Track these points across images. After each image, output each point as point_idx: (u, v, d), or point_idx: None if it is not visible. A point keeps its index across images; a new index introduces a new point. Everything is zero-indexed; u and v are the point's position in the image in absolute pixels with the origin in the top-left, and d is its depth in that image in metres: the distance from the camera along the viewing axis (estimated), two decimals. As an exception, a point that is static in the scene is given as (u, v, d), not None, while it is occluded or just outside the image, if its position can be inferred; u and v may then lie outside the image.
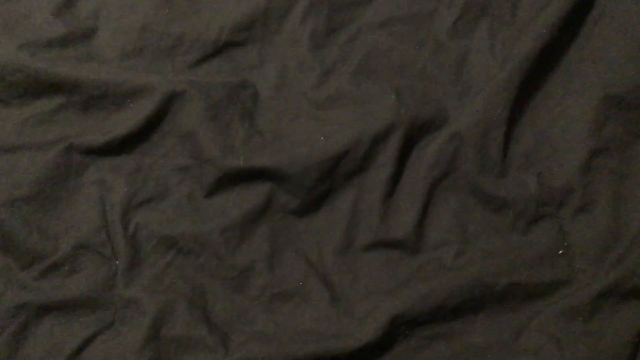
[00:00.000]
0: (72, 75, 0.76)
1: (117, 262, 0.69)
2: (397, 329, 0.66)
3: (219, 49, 0.83)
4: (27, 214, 0.70)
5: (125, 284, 0.68)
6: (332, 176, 0.74)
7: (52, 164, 0.73)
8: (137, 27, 0.83)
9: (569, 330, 0.65)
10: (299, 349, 0.64)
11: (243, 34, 0.83)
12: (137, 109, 0.76)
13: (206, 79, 0.80)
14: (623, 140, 0.74)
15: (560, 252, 0.70)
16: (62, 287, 0.68)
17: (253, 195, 0.74)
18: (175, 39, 0.82)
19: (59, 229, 0.71)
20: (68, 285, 0.68)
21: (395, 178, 0.75)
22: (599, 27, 0.78)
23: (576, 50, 0.79)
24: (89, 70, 0.77)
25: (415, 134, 0.77)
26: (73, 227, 0.71)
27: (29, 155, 0.73)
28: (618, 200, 0.72)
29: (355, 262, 0.72)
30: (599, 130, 0.75)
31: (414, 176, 0.75)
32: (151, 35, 0.82)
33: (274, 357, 0.63)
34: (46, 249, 0.70)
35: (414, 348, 0.66)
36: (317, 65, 0.82)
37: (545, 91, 0.79)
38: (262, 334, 0.66)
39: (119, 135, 0.75)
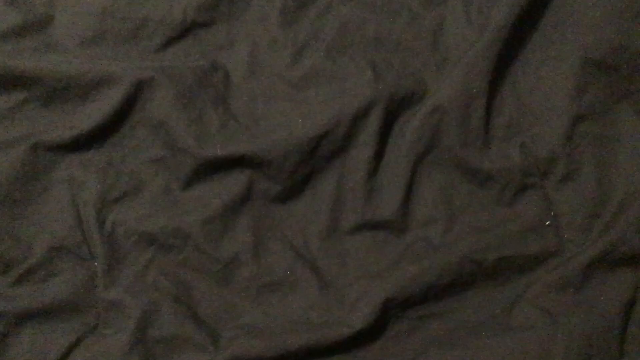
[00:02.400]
0: (31, 68, 0.73)
1: (95, 263, 0.67)
2: (389, 312, 0.66)
3: (185, 31, 0.80)
4: (-5, 219, 0.67)
5: (105, 285, 0.66)
6: (313, 159, 0.73)
7: (18, 164, 0.70)
8: (97, 12, 0.79)
9: (561, 302, 0.65)
10: (291, 340, 0.63)
11: (209, 13, 0.80)
12: (103, 100, 0.73)
13: (174, 63, 0.77)
14: (605, 104, 0.74)
15: (548, 222, 0.70)
16: (39, 292, 0.66)
17: (233, 183, 0.72)
18: (138, 23, 0.79)
19: (31, 232, 0.68)
20: (46, 290, 0.66)
21: (378, 156, 0.74)
22: (576, -11, 0.77)
23: (553, 14, 0.78)
24: (49, 61, 0.74)
25: (395, 109, 0.75)
26: (46, 229, 0.68)
27: (-9, 156, 0.70)
28: (603, 166, 0.72)
29: (342, 245, 0.71)
30: (581, 96, 0.74)
31: (396, 153, 0.74)
32: (112, 19, 0.79)
33: (266, 350, 0.62)
34: (19, 254, 0.67)
35: (407, 330, 0.66)
36: (289, 42, 0.79)
37: (525, 58, 0.78)
38: (251, 327, 0.65)
39: (86, 129, 0.72)
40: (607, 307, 0.64)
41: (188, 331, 0.65)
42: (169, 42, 0.79)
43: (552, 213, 0.70)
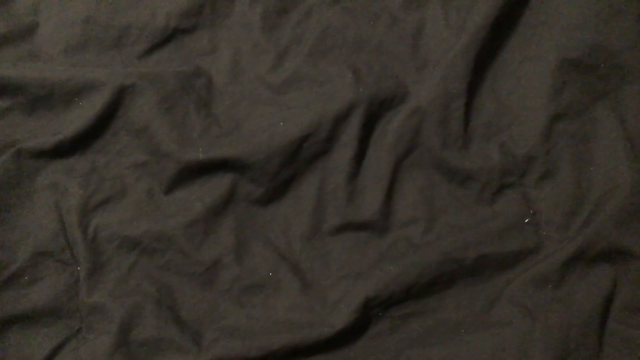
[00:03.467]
0: (15, 76, 0.74)
1: (78, 268, 0.67)
2: (370, 311, 0.66)
3: (168, 37, 0.80)
4: (-21, 225, 0.68)
5: (88, 289, 0.67)
6: (295, 161, 0.73)
7: (2, 171, 0.71)
8: (80, 20, 0.80)
9: (539, 299, 0.65)
10: (273, 341, 0.63)
11: (192, 20, 0.81)
12: (86, 107, 0.74)
13: (157, 69, 0.78)
14: (582, 103, 0.75)
15: (527, 220, 0.70)
16: (23, 297, 0.67)
17: (215, 187, 0.72)
18: (121, 30, 0.80)
19: (15, 238, 0.69)
20: (30, 295, 0.67)
21: (359, 158, 0.74)
22: (552, -10, 0.78)
23: (531, 14, 0.79)
24: (33, 69, 0.75)
25: (376, 112, 0.76)
26: (30, 235, 0.69)
27: (-24, 163, 0.71)
28: (580, 163, 0.72)
29: (324, 247, 0.71)
30: (558, 95, 0.75)
31: (377, 155, 0.75)
32: (95, 27, 0.79)
33: (248, 351, 0.63)
34: (3, 259, 0.68)
35: (388, 329, 0.66)
36: (271, 47, 0.80)
37: (503, 59, 0.78)
38: (234, 329, 0.65)
39: (70, 136, 0.72)
40: (586, 303, 0.65)
41: (171, 334, 0.65)
42: (151, 49, 0.80)
43: (531, 211, 0.71)
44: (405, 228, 0.71)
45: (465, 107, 0.75)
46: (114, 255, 0.69)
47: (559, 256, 0.67)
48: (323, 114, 0.74)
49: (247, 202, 0.73)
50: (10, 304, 0.66)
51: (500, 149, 0.73)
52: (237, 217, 0.72)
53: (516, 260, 0.68)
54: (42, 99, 0.74)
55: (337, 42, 0.81)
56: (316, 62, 0.79)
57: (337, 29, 0.81)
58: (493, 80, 0.78)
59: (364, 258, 0.70)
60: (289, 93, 0.78)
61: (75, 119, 0.73)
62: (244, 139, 0.74)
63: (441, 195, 0.72)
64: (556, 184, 0.72)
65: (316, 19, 0.82)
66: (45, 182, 0.72)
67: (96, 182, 0.72)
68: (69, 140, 0.73)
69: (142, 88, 0.75)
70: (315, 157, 0.74)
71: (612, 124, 0.73)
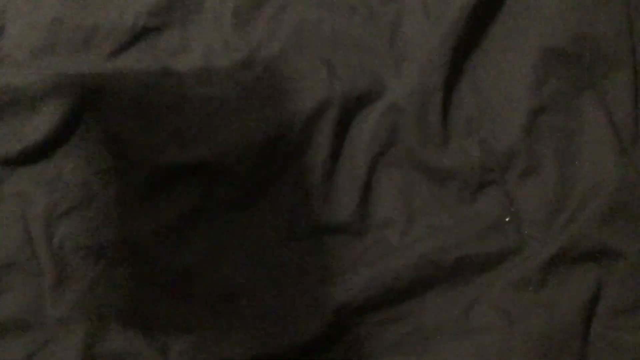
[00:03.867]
0: (-23, 82, 0.71)
1: (44, 279, 0.65)
2: (345, 318, 0.64)
3: (137, 37, 0.78)
4: (-57, 237, 0.66)
5: (54, 301, 0.65)
6: (269, 163, 0.71)
7: (-34, 181, 0.68)
8: (47, 22, 0.77)
9: (520, 302, 0.63)
10: (244, 351, 0.61)
11: (161, 18, 0.78)
12: (52, 112, 0.71)
13: (125, 70, 0.75)
14: (566, 95, 0.72)
15: (508, 219, 0.68)
16: (-12, 311, 0.64)
17: (188, 192, 0.70)
18: (89, 31, 0.77)
19: (-19, 250, 0.66)
20: (-5, 308, 0.64)
21: (334, 157, 0.72)
22: (533, -22, 0.74)
23: (513, 3, 0.76)
24: (-3, 75, 0.72)
25: (351, 109, 0.73)
26: (-5, 246, 0.67)
27: (-61, 173, 0.68)
28: (564, 159, 0.69)
29: (300, 251, 0.69)
30: (541, 87, 0.72)
31: (353, 153, 0.72)
32: (62, 29, 0.77)
33: (215, 364, 0.60)
34: (-32, 272, 0.65)
35: (364, 336, 0.64)
36: (243, 44, 0.77)
37: (483, 50, 0.75)
38: (205, 340, 0.63)
39: (35, 142, 0.70)
40: (568, 306, 0.62)
41: (138, 346, 0.63)
42: (120, 49, 0.77)
43: (513, 209, 0.68)
44: (383, 230, 0.69)
45: (444, 102, 0.72)
46: (80, 265, 0.67)
47: (541, 257, 0.64)
48: (295, 113, 0.71)
49: (221, 207, 0.71)
50: (-24, 317, 0.63)
51: (480, 145, 0.71)
52: (211, 223, 0.70)
53: (497, 262, 0.66)
54: (7, 105, 0.72)
55: (312, 38, 0.78)
56: (289, 58, 0.76)
57: (312, 24, 0.78)
58: (473, 72, 0.75)
59: (340, 262, 0.68)
60: (261, 91, 0.74)
61: (40, 125, 0.71)
62: (215, 141, 0.72)
63: (420, 195, 0.69)
64: (539, 180, 0.69)
65: (290, 14, 0.79)
66: (12, 190, 0.70)
67: (62, 189, 0.69)
68: (34, 147, 0.70)
69: (109, 91, 0.72)
70: (289, 158, 0.72)
71: (597, 117, 0.70)
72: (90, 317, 0.64)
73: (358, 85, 0.74)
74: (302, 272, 0.68)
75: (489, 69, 0.74)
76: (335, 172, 0.72)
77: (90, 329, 0.64)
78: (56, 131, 0.71)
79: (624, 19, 0.71)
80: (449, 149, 0.71)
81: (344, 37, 0.78)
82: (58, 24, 0.77)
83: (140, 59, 0.77)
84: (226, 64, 0.77)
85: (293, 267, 0.69)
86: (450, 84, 0.73)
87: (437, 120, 0.72)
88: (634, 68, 0.71)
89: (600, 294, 0.63)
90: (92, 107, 0.72)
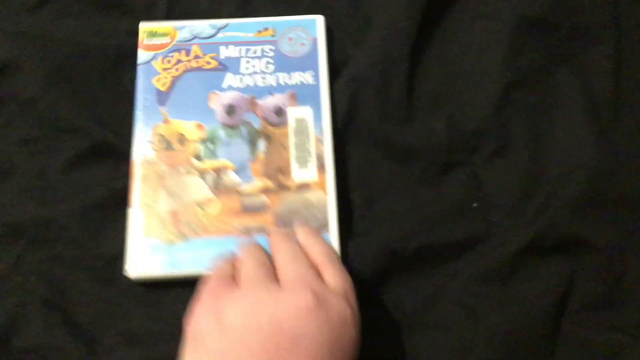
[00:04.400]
0: None
1: (-44, 261, 0.57)
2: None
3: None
4: None
5: (-35, 286, 0.57)
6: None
7: None
8: None
9: (485, 296, 0.58)
10: (177, 347, 0.54)
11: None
12: (-37, 70, 0.62)
13: (56, 24, 0.66)
14: (543, 68, 0.66)
15: (474, 204, 0.62)
16: None
17: (121, 170, 0.62)
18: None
19: None
20: None
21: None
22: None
23: (487, -34, 0.68)
24: None
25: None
26: None
27: None
28: (537, 139, 0.64)
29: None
30: (515, 59, 0.66)
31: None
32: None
33: (150, 360, 0.53)
34: None
35: (315, 330, 0.57)
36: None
37: (453, 17, 0.69)
38: (135, 333, 0.56)
39: (-56, 105, 0.61)
40: (537, 302, 0.57)
41: (60, 339, 0.56)
42: (46, 0, 0.67)
43: (480, 194, 0.62)
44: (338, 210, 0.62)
45: (408, 74, 0.66)
46: (-2, 245, 0.58)
47: (509, 248, 0.59)
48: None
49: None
50: None
51: (447, 122, 0.65)
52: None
53: (461, 251, 0.60)
54: None
55: (264, -2, 0.70)
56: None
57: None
58: (442, 42, 0.68)
59: (290, 247, 0.61)
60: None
61: (-50, 85, 0.62)
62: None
63: (380, 176, 0.63)
64: (509, 162, 0.63)
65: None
66: None
67: (-23, 158, 0.61)
68: (-57, 110, 0.61)
69: (33, 52, 0.63)
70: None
71: (575, 93, 0.65)
72: (6, 306, 0.56)
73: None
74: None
75: (459, 38, 0.68)
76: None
77: (6, 319, 0.56)
78: (-31, 92, 0.61)
79: (606, -14, 0.65)
80: (413, 126, 0.65)
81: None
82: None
83: (66, 13, 0.68)
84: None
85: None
86: (415, 54, 0.66)
87: (400, 94, 0.65)
88: (616, 41, 0.65)
89: (572, 289, 0.58)
90: (11, 70, 0.63)
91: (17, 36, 0.64)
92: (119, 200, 0.61)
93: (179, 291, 0.59)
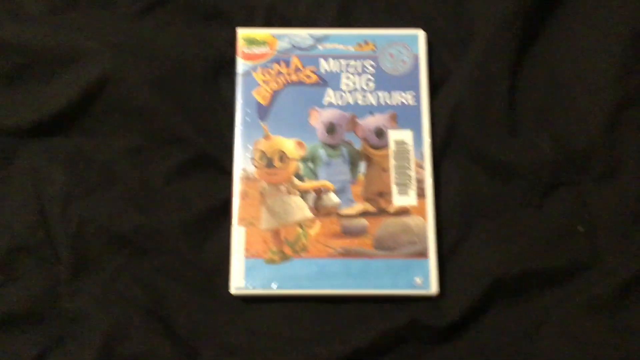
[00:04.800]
0: (-9, 40, 0.64)
1: (60, 266, 0.59)
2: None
3: (171, -8, 0.69)
4: (-53, 215, 0.60)
5: (70, 293, 0.59)
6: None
7: (-26, 152, 0.62)
8: (67, -29, 0.68)
9: (592, 327, 0.56)
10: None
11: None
12: (72, 79, 0.64)
13: (157, 34, 0.66)
14: (658, 86, 0.63)
15: (581, 228, 0.60)
16: (-2, 299, 0.58)
17: (221, 184, 0.62)
18: (115, -17, 0.68)
19: (-11, 231, 0.60)
20: (5, 296, 0.59)
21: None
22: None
23: (599, -26, 0.66)
24: (12, 32, 0.65)
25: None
26: (4, 227, 0.61)
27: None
28: (650, 161, 0.61)
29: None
30: (628, 76, 0.65)
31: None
32: (84, -21, 0.68)
33: (249, 376, 0.54)
34: (-25, 255, 0.59)
35: (415, 355, 0.58)
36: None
37: (561, 27, 0.67)
38: (236, 346, 0.57)
39: (53, 112, 0.63)
40: (648, 335, 0.55)
41: (161, 349, 0.58)
42: (151, 7, 0.68)
43: (587, 216, 0.60)
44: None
45: (511, 88, 0.64)
46: (101, 253, 0.61)
47: (619, 275, 0.58)
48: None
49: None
50: (-17, 307, 0.58)
51: (553, 139, 0.63)
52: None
53: (566, 278, 0.59)
54: (22, 68, 0.65)
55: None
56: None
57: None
58: (548, 54, 0.66)
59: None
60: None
61: (59, 93, 0.64)
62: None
63: (480, 196, 0.62)
64: (619, 184, 0.62)
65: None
66: (24, 165, 0.63)
67: (82, 167, 0.63)
68: (51, 117, 0.63)
69: (136, 62, 0.64)
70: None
71: (691, 114, 0.61)
72: (110, 314, 0.58)
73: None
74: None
75: (567, 51, 0.66)
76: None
77: (110, 327, 0.57)
78: (76, 102, 0.64)
79: None
80: (515, 143, 0.63)
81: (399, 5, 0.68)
82: (79, -27, 0.68)
83: (173, 21, 0.68)
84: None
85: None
86: (518, 68, 0.65)
87: (502, 110, 0.64)
88: None
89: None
90: (118, 77, 0.64)
91: (121, 47, 0.64)
92: (219, 214, 0.61)
93: (278, 307, 0.59)
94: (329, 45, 0.65)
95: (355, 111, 0.63)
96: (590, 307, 0.57)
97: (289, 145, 0.62)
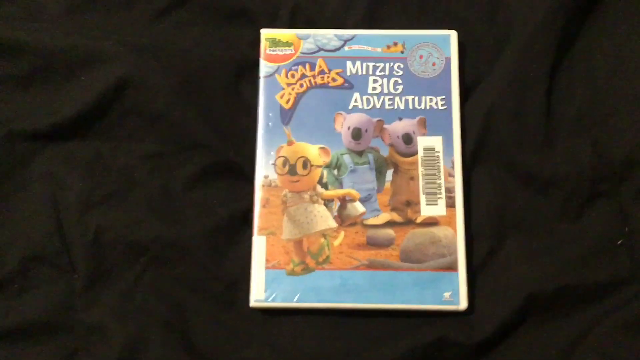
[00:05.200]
0: (8, 41, 0.63)
1: (76, 276, 0.58)
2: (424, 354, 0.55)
3: (191, -7, 0.67)
4: (-38, 221, 0.59)
5: (86, 303, 0.58)
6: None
7: (-10, 155, 0.61)
8: (85, -30, 0.67)
9: (630, 348, 0.53)
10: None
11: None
12: (90, 82, 0.63)
13: (177, 35, 0.65)
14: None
15: (620, 242, 0.57)
16: (12, 309, 0.59)
17: (243, 191, 0.60)
18: (134, -17, 0.67)
19: (4, 237, 0.60)
20: (19, 306, 0.59)
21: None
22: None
23: (642, -27, 0.63)
24: (29, 33, 0.64)
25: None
26: (21, 234, 0.60)
27: (-41, 145, 0.61)
28: (695, 173, 0.58)
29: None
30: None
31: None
32: (103, -21, 0.67)
33: (270, 394, 0.53)
34: (-10, 263, 0.59)
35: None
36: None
37: (603, 28, 0.64)
38: (255, 360, 0.56)
39: (70, 115, 0.62)
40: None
41: (180, 363, 0.55)
42: (171, 7, 0.67)
43: (627, 229, 0.58)
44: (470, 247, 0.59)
45: (547, 94, 0.61)
46: (118, 262, 0.59)
47: (661, 293, 0.54)
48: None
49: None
50: (-2, 315, 0.57)
51: (592, 149, 0.61)
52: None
53: (605, 294, 0.57)
54: (39, 69, 0.64)
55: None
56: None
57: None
58: (586, 59, 0.64)
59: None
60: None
61: (75, 96, 0.63)
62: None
63: (514, 208, 0.60)
64: (661, 196, 0.58)
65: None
66: (41, 170, 0.62)
67: (100, 172, 0.62)
68: (69, 121, 0.62)
69: (156, 65, 0.63)
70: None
71: None
72: (127, 327, 0.56)
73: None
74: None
75: (608, 54, 0.63)
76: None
77: (127, 340, 0.56)
78: (94, 105, 0.63)
79: None
80: (552, 152, 0.60)
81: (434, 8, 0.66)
82: (98, -27, 0.67)
83: (195, 22, 0.66)
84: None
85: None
86: (556, 72, 0.62)
87: (538, 117, 0.61)
88: None
89: None
90: (137, 81, 0.62)
91: (140, 49, 0.63)
92: (241, 223, 0.60)
93: (299, 320, 0.58)
94: (355, 47, 0.63)
95: (383, 116, 0.61)
96: (629, 326, 0.55)
97: (312, 151, 0.60)
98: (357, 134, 0.60)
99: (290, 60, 0.63)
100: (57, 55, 0.63)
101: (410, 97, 0.61)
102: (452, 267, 0.57)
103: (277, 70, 0.63)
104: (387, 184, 0.59)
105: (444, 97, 0.61)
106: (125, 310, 0.58)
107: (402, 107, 0.61)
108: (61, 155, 0.63)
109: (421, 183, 0.59)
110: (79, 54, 0.63)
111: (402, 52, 0.62)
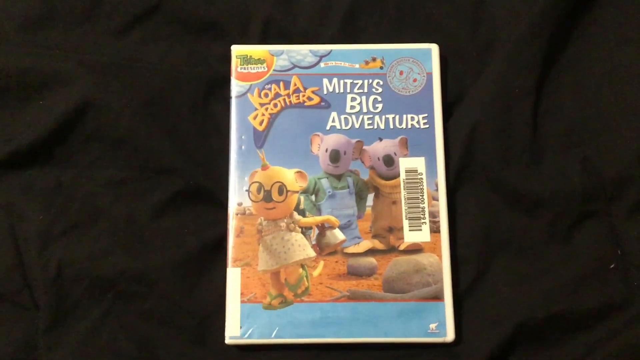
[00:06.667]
0: (-41, 62, 0.61)
1: (38, 314, 0.57)
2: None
3: (155, 6, 0.66)
4: None
5: (49, 344, 0.58)
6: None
7: (-56, 186, 0.60)
8: (41, -13, 0.66)
9: (627, 377, 0.53)
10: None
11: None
12: (48, 105, 0.63)
13: (142, 51, 0.64)
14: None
15: (612, 265, 0.57)
16: (-30, 352, 0.57)
17: (215, 218, 0.60)
18: (92, -1, 0.66)
19: (-39, 275, 0.58)
20: (-22, 348, 0.57)
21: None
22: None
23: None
24: (-19, 53, 0.62)
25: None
26: (-21, 271, 0.58)
27: None
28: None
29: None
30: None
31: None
32: (60, -5, 0.66)
33: None
34: (-54, 302, 0.58)
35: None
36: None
37: (589, 43, 0.63)
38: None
39: (28, 142, 0.62)
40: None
41: (151, 407, 0.55)
42: (133, 22, 0.65)
43: (619, 251, 0.58)
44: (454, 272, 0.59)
45: (534, 109, 0.61)
46: (83, 299, 0.59)
47: (656, 319, 0.54)
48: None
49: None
50: (-45, 359, 0.56)
51: (582, 166, 0.60)
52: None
53: (596, 321, 0.57)
54: (-6, 93, 0.62)
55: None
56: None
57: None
58: (574, 71, 0.64)
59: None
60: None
61: (33, 122, 0.62)
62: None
63: (500, 229, 0.59)
64: (655, 216, 0.58)
65: None
66: (-2, 201, 0.60)
67: (61, 203, 0.61)
68: (26, 149, 0.61)
69: (119, 85, 0.61)
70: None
71: None
72: (93, 367, 0.56)
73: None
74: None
75: (598, 66, 0.63)
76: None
77: (92, 382, 0.55)
78: (53, 130, 0.62)
79: None
80: (539, 170, 0.60)
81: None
82: (55, -11, 0.66)
83: (159, 36, 0.66)
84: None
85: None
86: (543, 85, 0.62)
87: (524, 133, 0.61)
88: None
89: None
90: (98, 104, 0.61)
91: (102, 68, 0.62)
92: (213, 252, 0.59)
93: (277, 356, 0.58)
94: (332, 63, 0.62)
95: (362, 136, 0.60)
96: (625, 354, 0.55)
97: (288, 175, 0.59)
98: (335, 156, 0.59)
99: (263, 78, 0.62)
100: (11, 77, 0.62)
101: (390, 116, 0.61)
102: (438, 296, 0.56)
103: (250, 90, 0.62)
104: (368, 209, 0.58)
105: (425, 115, 0.61)
106: (92, 350, 0.58)
107: (382, 126, 0.60)
108: (19, 185, 0.62)
109: (404, 208, 0.58)
110: (36, 75, 0.62)
111: (381, 67, 0.62)
